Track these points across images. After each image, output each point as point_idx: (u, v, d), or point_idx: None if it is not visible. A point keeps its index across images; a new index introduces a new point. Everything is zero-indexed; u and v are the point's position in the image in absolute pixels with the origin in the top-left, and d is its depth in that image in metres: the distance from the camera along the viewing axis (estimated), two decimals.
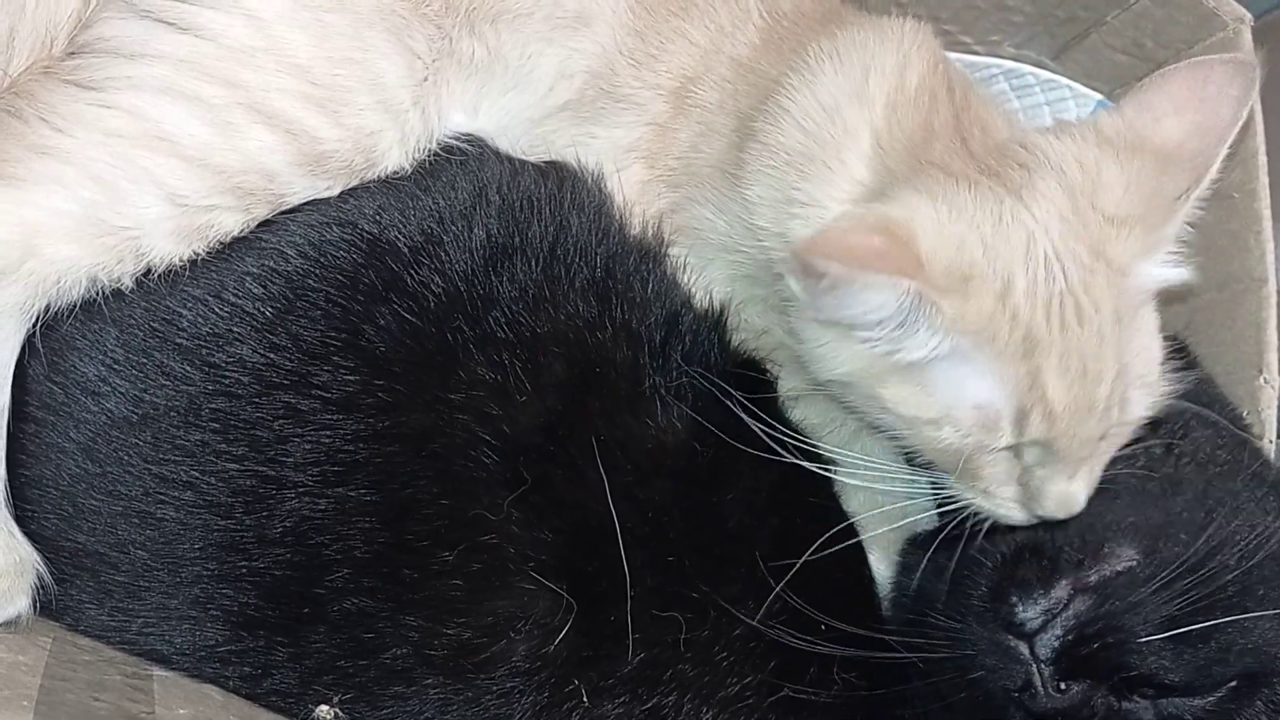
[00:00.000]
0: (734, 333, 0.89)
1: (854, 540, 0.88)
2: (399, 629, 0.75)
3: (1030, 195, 0.76)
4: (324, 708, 0.76)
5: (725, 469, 0.84)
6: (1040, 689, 0.74)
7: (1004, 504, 0.79)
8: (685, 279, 0.88)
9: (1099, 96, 1.14)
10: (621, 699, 0.80)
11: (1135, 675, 0.73)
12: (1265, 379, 0.92)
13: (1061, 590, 0.75)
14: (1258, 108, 0.96)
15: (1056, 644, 0.74)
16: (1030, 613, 0.75)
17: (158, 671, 0.76)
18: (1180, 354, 0.93)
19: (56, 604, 0.76)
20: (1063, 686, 0.74)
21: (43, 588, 0.75)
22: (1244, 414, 0.91)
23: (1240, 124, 0.79)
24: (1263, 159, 0.95)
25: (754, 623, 0.81)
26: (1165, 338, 0.92)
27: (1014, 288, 0.73)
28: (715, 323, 0.88)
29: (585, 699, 0.79)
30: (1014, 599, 0.75)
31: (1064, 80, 1.14)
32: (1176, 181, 0.77)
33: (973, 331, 0.72)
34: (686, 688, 0.82)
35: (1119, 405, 0.76)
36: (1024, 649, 0.75)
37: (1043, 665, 0.74)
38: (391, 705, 0.77)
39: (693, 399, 0.84)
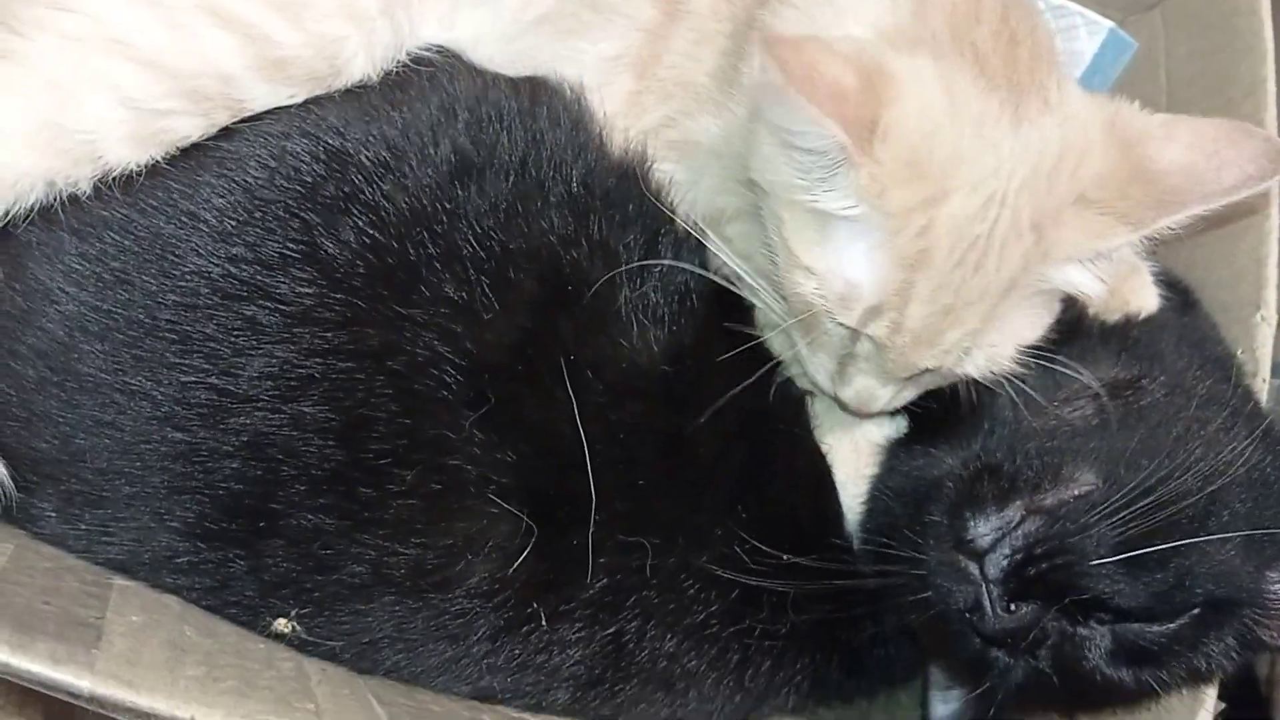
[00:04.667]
0: (715, 257, 0.87)
1: (824, 469, 0.87)
2: (357, 547, 0.75)
3: (1029, 131, 0.73)
4: (282, 621, 0.76)
5: (698, 393, 0.82)
6: (989, 609, 0.73)
7: (817, 369, 0.80)
8: (670, 198, 0.86)
9: (1110, 24, 1.10)
10: (582, 623, 0.80)
11: (1088, 598, 0.72)
12: (1263, 315, 0.88)
13: (1014, 510, 0.74)
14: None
15: (1005, 563, 0.73)
16: (981, 529, 0.74)
17: (119, 581, 0.76)
18: (1179, 291, 0.91)
19: (18, 511, 0.76)
20: (1012, 607, 0.73)
21: (6, 495, 0.75)
22: (1239, 351, 0.88)
23: (1232, 200, 0.73)
24: (1272, 89, 0.91)
25: (711, 568, 0.81)
26: (1165, 280, 0.90)
27: (945, 206, 0.70)
28: (696, 245, 0.86)
29: (544, 622, 0.78)
30: (968, 517, 0.74)
31: (1075, 7, 1.10)
32: (1136, 210, 0.73)
33: (882, 215, 0.70)
34: (650, 614, 0.81)
35: (958, 355, 0.75)
36: (974, 568, 0.74)
37: (992, 585, 0.73)
38: (349, 621, 0.77)
39: (668, 321, 0.83)
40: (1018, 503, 0.74)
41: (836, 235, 0.73)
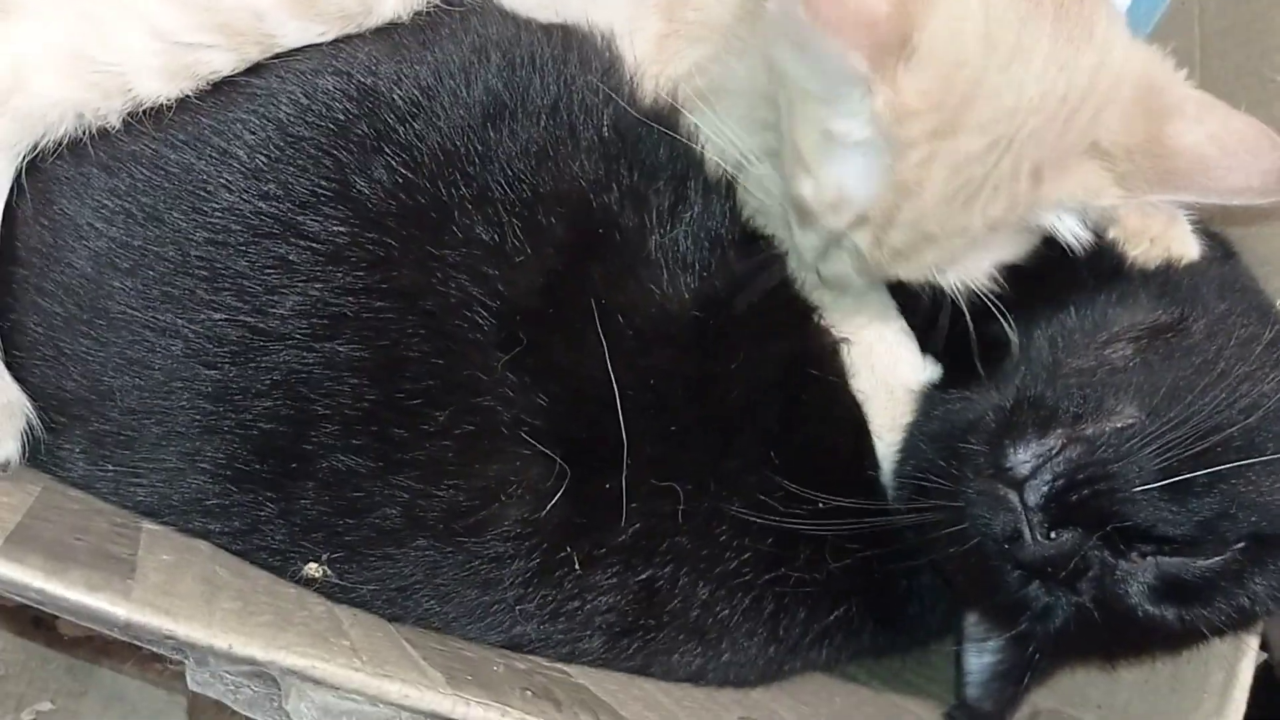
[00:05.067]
0: (745, 204, 0.86)
1: (860, 418, 0.86)
2: (389, 489, 0.74)
3: (1059, 73, 0.71)
4: (313, 565, 0.75)
5: (729, 340, 0.82)
6: (1028, 536, 0.72)
7: (805, 244, 0.81)
8: (699, 146, 0.85)
9: None
10: (614, 569, 0.79)
11: (1129, 526, 0.71)
12: None
13: (1054, 439, 0.73)
14: None
15: (1046, 489, 0.72)
16: (1021, 456, 0.73)
17: (147, 525, 0.75)
18: (1218, 242, 0.90)
19: (45, 453, 0.75)
20: (1052, 535, 0.72)
21: (33, 437, 0.74)
22: (1276, 303, 0.87)
23: (1227, 202, 0.75)
24: None
25: (743, 514, 0.80)
26: (1203, 231, 0.89)
27: (950, 140, 0.70)
28: (726, 191, 0.85)
29: (577, 567, 0.78)
30: (1007, 445, 0.74)
31: None
32: (1136, 176, 0.73)
33: (888, 140, 0.70)
34: (683, 561, 0.81)
35: (932, 273, 0.77)
36: (1013, 496, 0.73)
37: (1031, 512, 0.72)
38: (381, 566, 0.76)
39: (699, 268, 0.82)
40: (1058, 431, 0.73)
41: (841, 146, 0.73)
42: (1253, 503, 0.71)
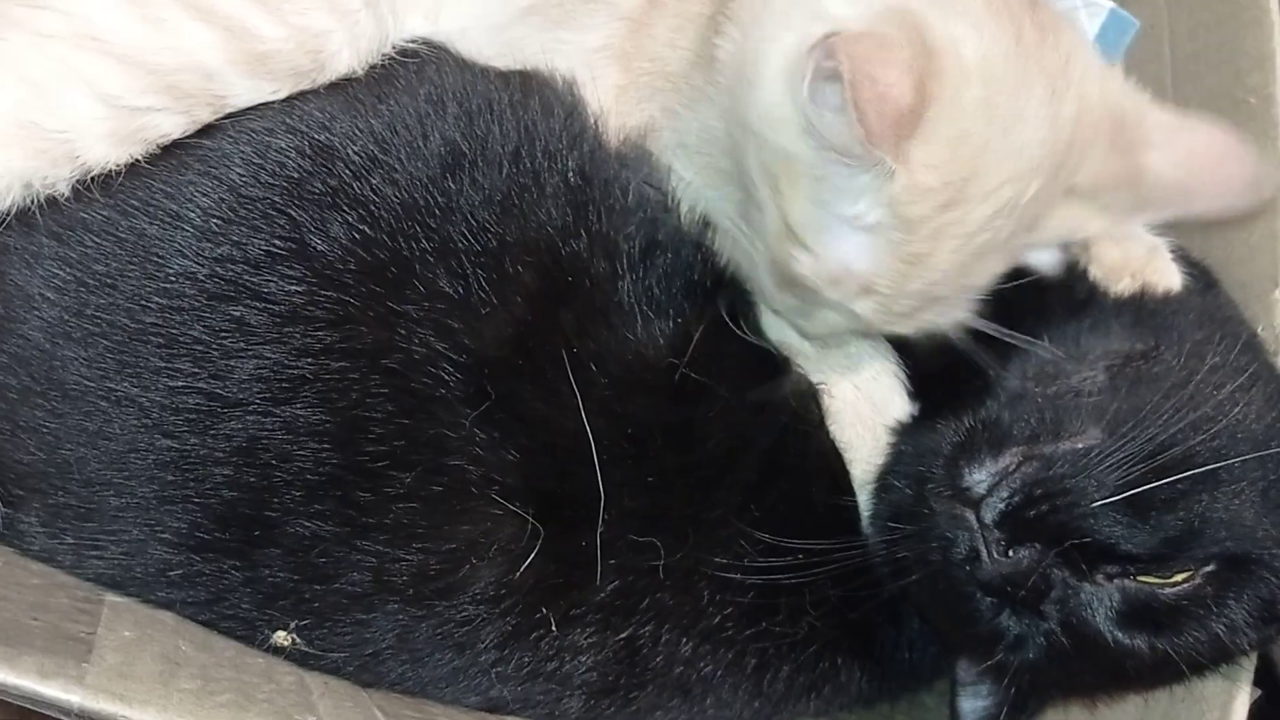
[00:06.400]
0: (718, 249, 0.84)
1: (841, 468, 0.84)
2: (356, 554, 0.72)
3: (1052, 128, 0.70)
4: (281, 633, 0.73)
5: (707, 387, 0.80)
6: (984, 554, 0.71)
7: (784, 305, 0.79)
8: (671, 189, 0.83)
9: (1110, 4, 1.08)
10: (593, 628, 0.77)
11: (1090, 544, 0.70)
12: None
13: (1010, 457, 0.72)
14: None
15: (1002, 506, 0.71)
16: (977, 476, 0.72)
17: (111, 597, 0.73)
18: (1199, 271, 0.89)
19: (5, 527, 0.73)
20: (1010, 553, 0.71)
21: None
22: (1259, 329, 0.85)
23: (1206, 216, 0.77)
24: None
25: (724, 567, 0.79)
26: (1183, 258, 0.88)
27: (957, 211, 0.68)
28: (699, 235, 0.83)
29: (554, 628, 0.76)
30: (962, 465, 0.73)
31: None
32: (1115, 206, 0.75)
33: (898, 218, 0.68)
34: (664, 618, 0.79)
35: (932, 324, 0.77)
36: (970, 516, 0.72)
37: (988, 530, 0.71)
38: (351, 632, 0.74)
39: (674, 314, 0.80)
40: (1014, 450, 0.73)
41: (843, 225, 0.71)
42: (1219, 520, 0.70)
